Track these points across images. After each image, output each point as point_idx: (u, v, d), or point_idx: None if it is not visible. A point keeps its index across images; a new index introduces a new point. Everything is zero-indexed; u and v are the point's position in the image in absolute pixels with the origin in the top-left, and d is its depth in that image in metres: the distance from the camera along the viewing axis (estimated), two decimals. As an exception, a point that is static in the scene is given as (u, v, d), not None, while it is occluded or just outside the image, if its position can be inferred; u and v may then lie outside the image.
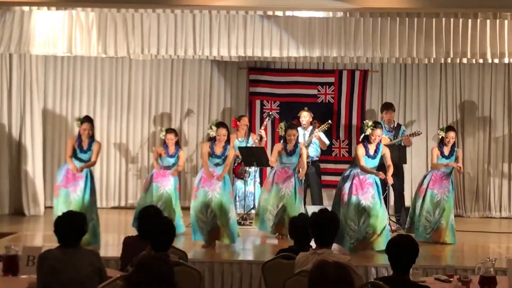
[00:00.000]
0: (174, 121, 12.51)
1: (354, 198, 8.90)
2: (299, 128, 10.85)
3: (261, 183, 11.59)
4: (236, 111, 12.29)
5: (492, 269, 5.46)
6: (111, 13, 9.81)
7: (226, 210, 8.99)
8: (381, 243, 8.64)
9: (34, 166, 11.66)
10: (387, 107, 11.10)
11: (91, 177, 9.14)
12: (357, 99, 12.31)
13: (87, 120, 9.23)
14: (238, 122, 11.20)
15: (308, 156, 10.26)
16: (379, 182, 9.06)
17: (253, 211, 10.78)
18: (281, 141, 9.88)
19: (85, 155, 9.08)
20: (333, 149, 12.08)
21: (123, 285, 3.69)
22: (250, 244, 9.60)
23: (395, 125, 10.96)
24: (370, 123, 9.08)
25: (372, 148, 9.05)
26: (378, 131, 9.05)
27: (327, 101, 12.28)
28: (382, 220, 8.90)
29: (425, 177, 9.80)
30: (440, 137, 9.74)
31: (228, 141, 9.16)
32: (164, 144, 10.08)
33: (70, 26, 9.99)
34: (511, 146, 12.26)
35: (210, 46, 10.09)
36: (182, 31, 10.08)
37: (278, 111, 12.21)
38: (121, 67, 12.52)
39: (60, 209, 8.55)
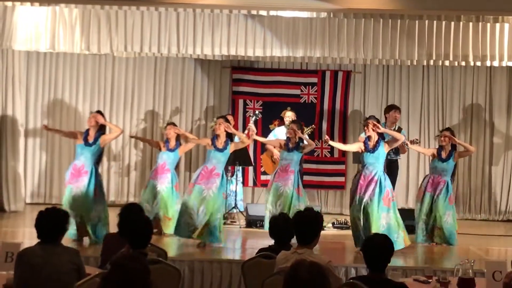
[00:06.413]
0: (156, 119, 12.47)
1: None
2: (282, 127, 10.90)
3: (243, 182, 11.59)
4: (219, 110, 12.24)
5: (470, 271, 5.47)
6: (95, 10, 9.78)
7: (218, 210, 9.00)
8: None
9: (15, 161, 11.58)
10: (395, 107, 10.67)
11: (96, 173, 8.96)
12: (340, 99, 12.33)
13: (97, 111, 9.25)
14: (222, 121, 11.14)
15: None
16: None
17: (234, 210, 10.79)
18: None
19: (90, 148, 8.92)
20: (315, 150, 12.05)
21: (99, 283, 3.69)
22: (232, 244, 9.54)
23: (396, 128, 10.41)
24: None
25: (371, 143, 8.88)
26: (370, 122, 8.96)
27: (310, 102, 12.29)
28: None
29: (424, 180, 9.77)
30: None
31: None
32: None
33: (53, 22, 9.95)
34: (491, 148, 12.34)
35: (193, 44, 10.10)
36: (166, 29, 10.09)
37: (261, 110, 12.14)
38: (104, 64, 12.44)
39: (64, 206, 8.61)
